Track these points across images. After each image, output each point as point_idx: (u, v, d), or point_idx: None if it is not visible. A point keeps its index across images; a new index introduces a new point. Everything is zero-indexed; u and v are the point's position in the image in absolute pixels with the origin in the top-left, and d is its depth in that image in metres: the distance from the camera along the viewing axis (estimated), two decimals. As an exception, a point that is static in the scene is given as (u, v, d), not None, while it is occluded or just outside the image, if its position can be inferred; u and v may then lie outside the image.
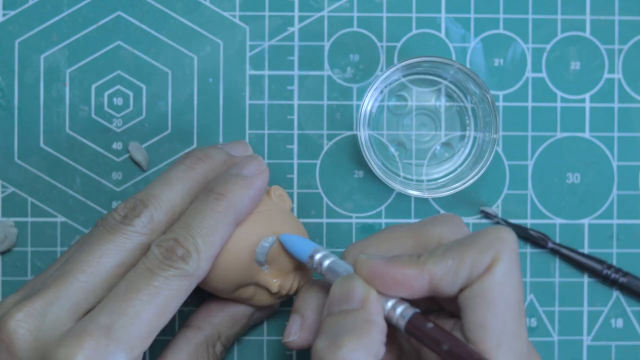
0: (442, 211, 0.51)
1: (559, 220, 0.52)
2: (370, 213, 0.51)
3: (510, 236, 0.39)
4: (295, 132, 0.51)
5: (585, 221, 0.52)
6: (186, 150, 0.51)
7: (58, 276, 0.40)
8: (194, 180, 0.44)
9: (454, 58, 0.51)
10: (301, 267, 0.46)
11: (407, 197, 0.51)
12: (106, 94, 0.51)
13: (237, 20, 0.51)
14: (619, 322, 0.52)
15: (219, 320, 0.47)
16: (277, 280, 0.45)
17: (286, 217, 0.46)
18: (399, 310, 0.40)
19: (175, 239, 0.40)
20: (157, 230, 0.42)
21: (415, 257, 0.40)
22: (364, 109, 0.49)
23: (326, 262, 0.42)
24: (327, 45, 0.51)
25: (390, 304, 0.40)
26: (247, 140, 0.51)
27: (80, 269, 0.40)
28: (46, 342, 0.39)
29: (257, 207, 0.45)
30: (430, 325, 0.39)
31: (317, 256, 0.43)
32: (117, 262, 0.41)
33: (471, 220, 0.51)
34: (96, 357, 0.38)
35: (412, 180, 0.51)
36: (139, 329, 0.39)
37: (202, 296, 0.48)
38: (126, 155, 0.51)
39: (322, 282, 0.44)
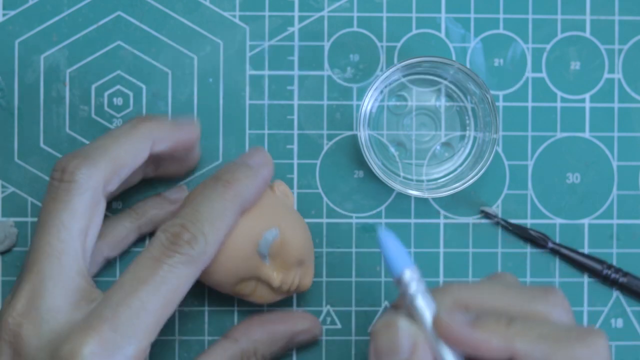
0: (442, 211, 0.51)
1: (559, 220, 0.52)
2: (370, 213, 0.51)
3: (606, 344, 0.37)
4: (295, 132, 0.51)
5: (585, 221, 0.52)
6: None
7: (31, 266, 0.40)
8: (138, 137, 0.44)
9: (454, 58, 0.51)
10: (304, 262, 0.46)
11: (407, 197, 0.51)
12: (106, 94, 0.51)
13: (237, 20, 0.51)
14: (619, 322, 0.52)
15: (257, 336, 0.47)
16: (279, 275, 0.45)
17: (290, 212, 0.46)
18: None
19: (182, 224, 0.40)
20: (100, 184, 0.41)
21: (504, 325, 0.37)
22: (364, 109, 0.49)
23: (414, 291, 0.38)
24: (327, 45, 0.51)
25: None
26: (246, 140, 0.51)
27: (47, 253, 0.40)
28: (50, 334, 0.38)
29: (261, 200, 0.45)
30: None
31: (408, 277, 0.39)
32: (76, 230, 0.41)
33: (471, 220, 0.51)
34: (102, 352, 0.37)
35: (412, 180, 0.51)
36: (145, 321, 0.38)
37: (244, 312, 0.48)
38: (126, 155, 0.51)
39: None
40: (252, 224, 0.44)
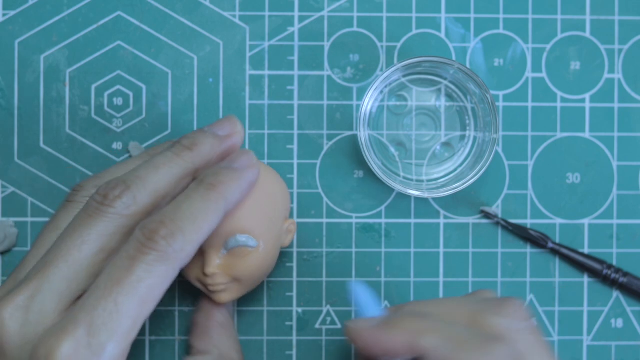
0: (442, 211, 0.51)
1: (559, 220, 0.52)
2: (370, 213, 0.51)
3: None
4: (295, 132, 0.51)
5: (585, 221, 0.52)
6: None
7: (40, 267, 0.39)
8: (180, 166, 0.43)
9: (454, 58, 0.51)
10: (240, 283, 0.46)
11: (407, 197, 0.51)
12: (106, 94, 0.51)
13: (237, 20, 0.51)
14: (619, 322, 0.52)
15: (217, 338, 0.47)
16: (218, 271, 0.45)
17: (276, 245, 0.46)
18: None
19: (161, 221, 0.39)
20: (139, 213, 0.41)
21: (417, 322, 0.40)
22: (364, 109, 0.49)
23: None
24: (327, 45, 0.51)
25: None
26: (246, 140, 0.51)
27: (61, 258, 0.39)
28: (33, 337, 0.38)
29: (276, 213, 0.45)
30: None
31: None
32: (97, 248, 0.40)
33: (471, 220, 0.51)
34: (76, 356, 0.37)
35: (412, 180, 0.51)
36: (121, 324, 0.38)
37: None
38: (126, 156, 0.51)
39: None
40: (250, 219, 0.44)
